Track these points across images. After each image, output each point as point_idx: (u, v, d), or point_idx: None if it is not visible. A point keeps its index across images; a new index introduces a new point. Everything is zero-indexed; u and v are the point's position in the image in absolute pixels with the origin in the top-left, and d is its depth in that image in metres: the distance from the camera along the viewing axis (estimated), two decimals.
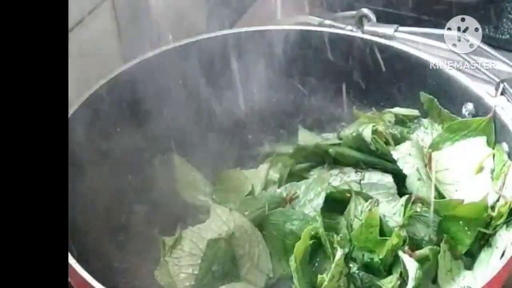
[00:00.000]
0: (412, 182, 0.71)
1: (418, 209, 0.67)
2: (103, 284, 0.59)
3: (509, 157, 0.71)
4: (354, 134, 0.77)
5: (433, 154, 0.76)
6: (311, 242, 0.67)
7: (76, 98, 0.74)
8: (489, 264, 0.65)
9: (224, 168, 0.83)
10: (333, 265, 0.63)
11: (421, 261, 0.64)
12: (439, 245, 0.66)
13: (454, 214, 0.66)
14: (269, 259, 0.70)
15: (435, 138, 0.77)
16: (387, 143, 0.76)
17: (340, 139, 0.80)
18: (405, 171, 0.72)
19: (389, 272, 0.65)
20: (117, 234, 0.76)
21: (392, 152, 0.74)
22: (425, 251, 0.65)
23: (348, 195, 0.72)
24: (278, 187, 0.78)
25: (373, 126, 0.76)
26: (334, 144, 0.79)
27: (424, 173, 0.71)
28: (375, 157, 0.77)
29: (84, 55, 0.82)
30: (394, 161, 0.74)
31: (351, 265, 0.66)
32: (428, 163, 0.73)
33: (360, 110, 0.87)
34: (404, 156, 0.73)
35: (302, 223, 0.71)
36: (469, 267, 0.66)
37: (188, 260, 0.70)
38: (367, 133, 0.76)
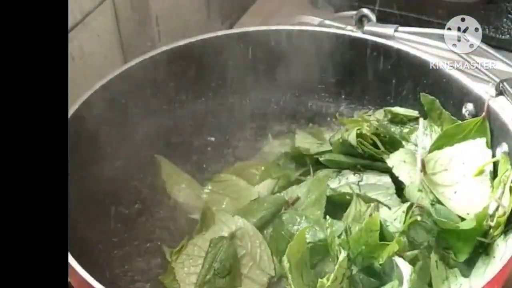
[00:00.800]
0: (412, 192, 0.71)
1: (419, 218, 0.67)
2: (103, 284, 0.59)
3: (509, 157, 0.71)
4: (341, 140, 0.77)
5: (432, 154, 0.76)
6: (309, 245, 0.67)
7: (76, 98, 0.74)
8: (485, 272, 0.65)
9: (216, 168, 0.84)
10: (337, 266, 0.63)
11: (412, 262, 0.64)
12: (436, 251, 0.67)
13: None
14: (271, 259, 0.71)
15: (432, 145, 0.77)
16: (374, 144, 0.76)
17: (332, 144, 0.80)
18: (401, 178, 0.73)
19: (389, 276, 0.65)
20: (118, 235, 0.76)
21: (387, 160, 0.75)
22: (413, 252, 0.65)
23: (348, 197, 0.73)
24: (278, 192, 0.78)
25: (358, 129, 0.76)
26: (325, 151, 0.80)
27: (420, 178, 0.71)
28: (365, 160, 0.77)
29: (84, 55, 0.82)
30: (383, 161, 0.75)
31: (352, 268, 0.66)
32: (422, 169, 0.73)
33: (360, 110, 0.88)
34: (399, 164, 0.74)
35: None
36: (466, 274, 0.66)
37: (191, 262, 0.71)
38: (352, 138, 0.76)
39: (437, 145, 0.77)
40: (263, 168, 0.82)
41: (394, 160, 0.74)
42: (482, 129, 0.74)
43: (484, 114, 0.74)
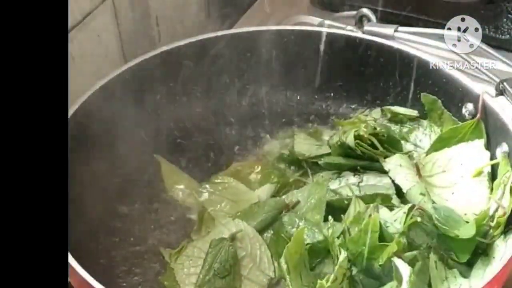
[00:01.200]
0: (414, 195, 0.71)
1: (419, 219, 0.66)
2: (103, 284, 0.59)
3: (509, 157, 0.71)
4: (339, 142, 0.77)
5: (429, 156, 0.76)
6: (307, 246, 0.67)
7: (76, 98, 0.74)
8: (485, 273, 0.65)
9: (215, 168, 0.83)
10: (337, 266, 0.63)
11: (411, 263, 0.64)
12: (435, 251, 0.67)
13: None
14: (271, 261, 0.71)
15: (429, 149, 0.77)
16: (373, 145, 0.76)
17: (330, 147, 0.80)
18: (397, 182, 0.73)
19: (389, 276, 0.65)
20: (118, 235, 0.76)
21: (383, 164, 0.75)
22: (412, 253, 0.65)
23: (346, 202, 0.73)
24: (277, 195, 0.78)
25: (355, 131, 0.76)
26: (323, 154, 0.80)
27: (416, 181, 0.72)
28: (364, 161, 0.77)
29: (84, 55, 0.82)
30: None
31: (352, 268, 0.66)
32: (417, 172, 0.74)
33: (358, 110, 0.88)
34: (395, 168, 0.74)
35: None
36: (465, 275, 0.66)
37: (191, 263, 0.71)
38: (350, 140, 0.76)
39: (434, 149, 0.77)
40: (259, 168, 0.82)
41: (390, 164, 0.75)
42: (478, 131, 0.74)
43: (478, 116, 0.74)
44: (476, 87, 0.77)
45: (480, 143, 0.74)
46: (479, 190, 0.70)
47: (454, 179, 0.72)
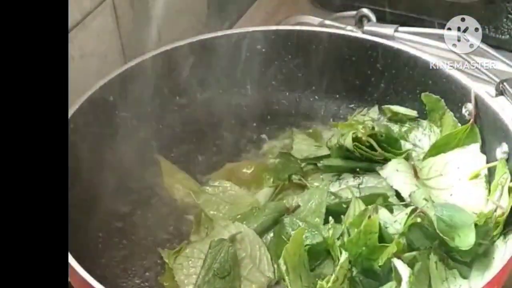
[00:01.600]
0: (418, 199, 0.71)
1: (419, 220, 0.66)
2: (103, 284, 0.59)
3: (509, 157, 0.71)
4: (338, 145, 0.77)
5: (426, 161, 0.76)
6: (307, 247, 0.67)
7: (76, 98, 0.74)
8: (485, 273, 0.65)
9: (215, 169, 0.83)
10: (338, 267, 0.63)
11: (410, 263, 0.64)
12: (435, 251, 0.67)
13: None
14: (271, 262, 0.71)
15: (426, 155, 0.77)
16: (371, 146, 0.76)
17: (329, 149, 0.80)
18: (395, 187, 0.73)
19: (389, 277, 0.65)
20: (118, 235, 0.76)
21: (380, 172, 0.75)
22: (411, 254, 0.65)
23: (344, 206, 0.73)
24: (276, 197, 0.78)
25: (353, 133, 0.76)
26: (323, 156, 0.80)
27: (415, 184, 0.72)
28: (363, 163, 0.77)
29: (84, 55, 0.82)
30: (382, 162, 0.76)
31: (352, 269, 0.66)
32: (415, 174, 0.74)
33: (356, 110, 0.88)
34: (392, 173, 0.74)
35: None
36: (465, 275, 0.66)
37: (191, 264, 0.71)
38: (348, 142, 0.76)
39: (430, 154, 0.77)
40: (252, 168, 0.82)
41: (387, 170, 0.75)
42: (473, 135, 0.74)
43: (472, 120, 0.74)
44: (476, 87, 0.77)
45: (475, 147, 0.74)
46: (477, 191, 0.71)
47: (451, 182, 0.72)
